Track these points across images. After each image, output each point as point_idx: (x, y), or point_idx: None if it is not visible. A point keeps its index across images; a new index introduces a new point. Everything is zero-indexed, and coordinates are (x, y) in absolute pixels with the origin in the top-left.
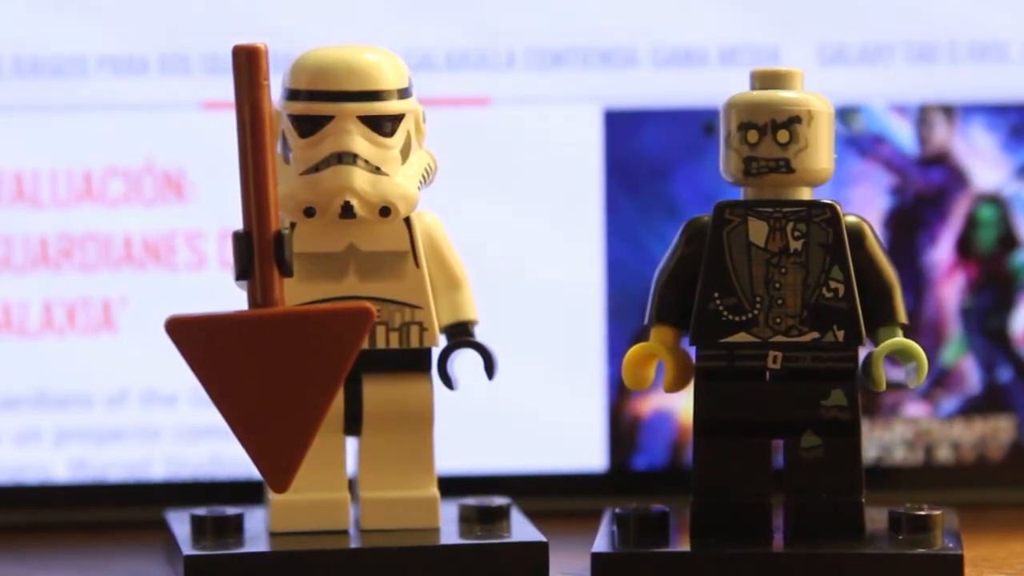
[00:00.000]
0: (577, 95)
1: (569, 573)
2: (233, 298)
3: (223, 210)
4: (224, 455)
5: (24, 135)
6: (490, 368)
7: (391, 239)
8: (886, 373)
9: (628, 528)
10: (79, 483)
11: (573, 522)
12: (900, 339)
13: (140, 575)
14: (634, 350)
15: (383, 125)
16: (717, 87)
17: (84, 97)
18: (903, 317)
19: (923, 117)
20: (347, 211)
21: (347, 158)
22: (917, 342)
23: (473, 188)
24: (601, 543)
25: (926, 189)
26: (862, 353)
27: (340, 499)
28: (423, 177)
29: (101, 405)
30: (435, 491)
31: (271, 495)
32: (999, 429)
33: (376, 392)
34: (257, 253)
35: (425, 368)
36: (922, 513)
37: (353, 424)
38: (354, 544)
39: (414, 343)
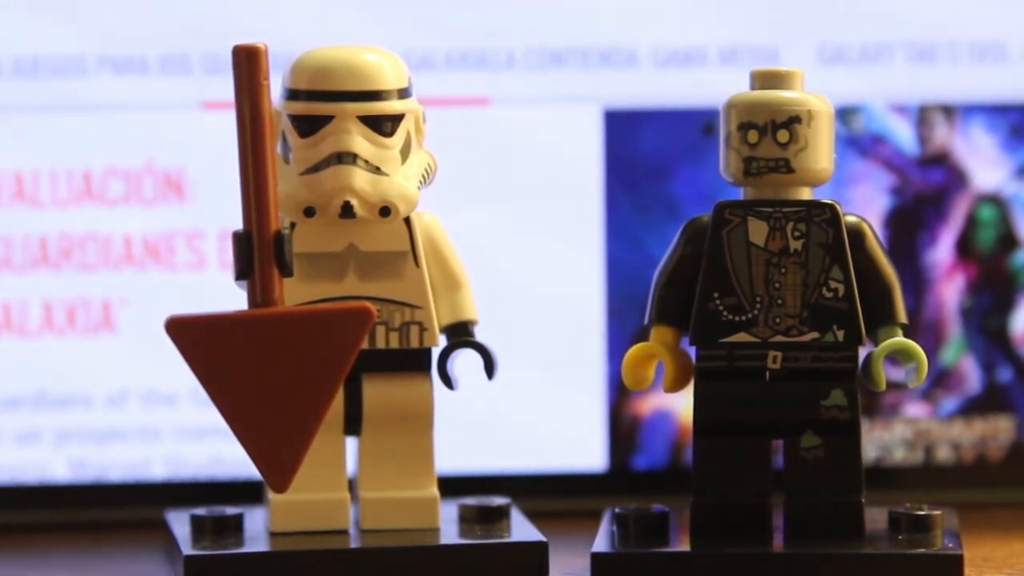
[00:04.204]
0: (577, 95)
1: (569, 573)
2: (233, 298)
3: (223, 210)
4: (224, 455)
5: (24, 135)
6: (490, 368)
7: (391, 239)
8: (886, 373)
9: (628, 528)
10: (79, 483)
11: (573, 522)
12: (900, 339)
13: (140, 575)
14: (634, 350)
15: (383, 125)
16: (717, 87)
17: (84, 97)
18: (903, 317)
19: (923, 117)
20: (347, 211)
21: (347, 158)
22: (917, 342)
23: (473, 189)
24: (601, 543)
25: (926, 189)
26: (862, 353)
27: (340, 499)
28: (423, 177)
29: (101, 405)
30: (435, 491)
31: (271, 495)
32: (999, 429)
33: (376, 392)
34: (257, 253)
35: (425, 368)
36: (922, 513)
37: (353, 424)
38: (354, 544)
39: (414, 343)
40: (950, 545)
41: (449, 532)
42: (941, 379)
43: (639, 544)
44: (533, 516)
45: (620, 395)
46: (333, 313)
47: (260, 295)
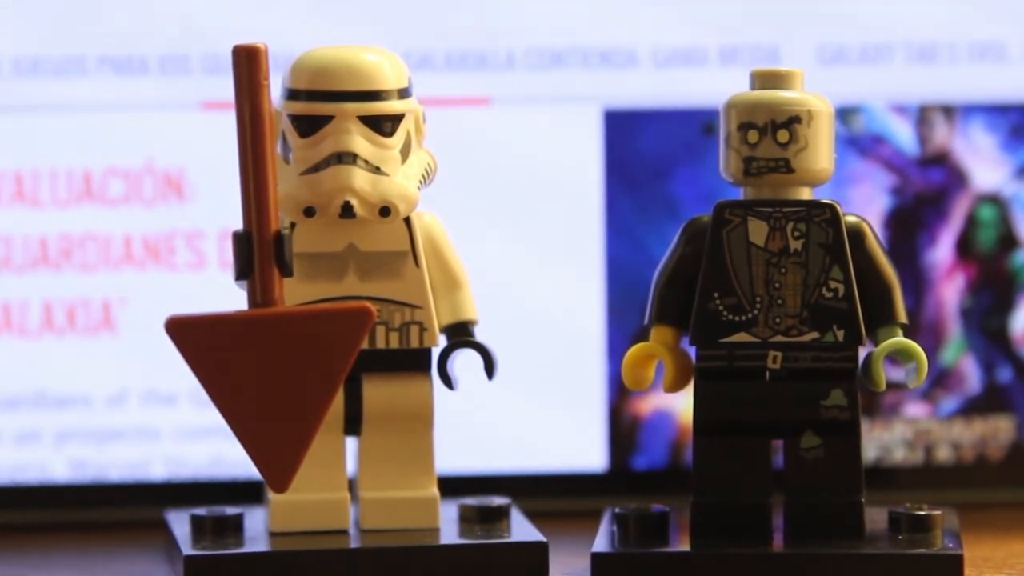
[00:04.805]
0: (577, 95)
1: (569, 573)
2: (233, 298)
3: (223, 210)
4: (224, 455)
5: (24, 135)
6: (490, 368)
7: (391, 239)
8: (886, 373)
9: (628, 528)
10: (79, 483)
11: (573, 522)
12: (900, 339)
13: (140, 575)
14: (634, 350)
15: (383, 125)
16: (717, 87)
17: (84, 97)
18: (903, 317)
19: (923, 117)
20: (347, 211)
21: (347, 158)
22: (917, 342)
23: (472, 188)
24: (601, 543)
25: (926, 189)
26: (862, 353)
27: (340, 499)
28: (423, 177)
29: (101, 405)
30: (435, 491)
31: (271, 495)
32: (999, 429)
33: (376, 392)
34: (257, 253)
35: (425, 368)
36: (922, 513)
37: (353, 424)
38: (354, 544)
39: (414, 343)
40: (950, 545)
41: (449, 532)
42: (941, 379)
43: (639, 544)
44: (533, 516)
45: (620, 395)
46: (333, 313)
47: (260, 295)
